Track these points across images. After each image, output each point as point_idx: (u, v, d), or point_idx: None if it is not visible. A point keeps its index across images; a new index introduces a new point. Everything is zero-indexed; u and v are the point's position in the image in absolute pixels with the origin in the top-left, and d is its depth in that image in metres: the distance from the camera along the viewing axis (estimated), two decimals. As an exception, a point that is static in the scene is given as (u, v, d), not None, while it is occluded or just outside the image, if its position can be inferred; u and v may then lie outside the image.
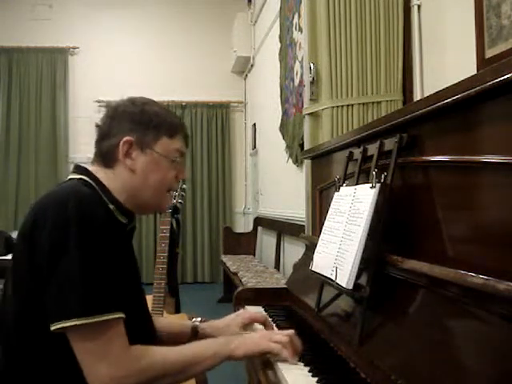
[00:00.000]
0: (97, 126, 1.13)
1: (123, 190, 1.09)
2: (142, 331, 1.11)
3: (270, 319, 1.33)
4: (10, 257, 1.01)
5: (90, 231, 0.94)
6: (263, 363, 1.10)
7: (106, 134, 1.10)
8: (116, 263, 0.98)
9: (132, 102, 1.12)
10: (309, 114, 2.26)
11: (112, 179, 1.09)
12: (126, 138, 1.07)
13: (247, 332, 1.23)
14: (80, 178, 1.07)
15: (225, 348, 1.04)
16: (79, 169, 1.11)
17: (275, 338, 1.06)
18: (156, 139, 1.10)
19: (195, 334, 1.27)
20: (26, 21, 6.32)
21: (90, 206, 0.97)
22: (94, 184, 1.06)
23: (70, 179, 1.08)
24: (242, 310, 1.33)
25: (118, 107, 1.12)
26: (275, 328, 1.31)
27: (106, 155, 1.10)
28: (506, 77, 0.70)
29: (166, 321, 1.37)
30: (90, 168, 1.11)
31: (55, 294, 0.92)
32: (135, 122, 1.09)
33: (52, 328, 0.91)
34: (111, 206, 1.06)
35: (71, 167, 1.15)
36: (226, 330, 1.25)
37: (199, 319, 1.31)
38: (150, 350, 1.00)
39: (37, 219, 0.96)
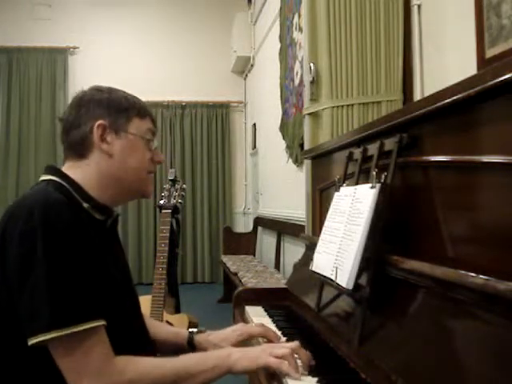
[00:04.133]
0: (61, 119, 1.10)
1: (102, 179, 1.06)
2: (131, 333, 1.07)
3: (273, 329, 1.24)
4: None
5: (56, 240, 0.90)
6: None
7: (75, 124, 1.07)
8: (92, 267, 0.94)
9: (97, 89, 1.11)
10: (309, 113, 2.26)
11: (88, 171, 1.06)
12: (99, 122, 1.05)
13: (248, 344, 1.17)
14: (50, 180, 1.03)
15: (224, 362, 0.99)
16: (49, 169, 1.07)
17: (276, 352, 0.99)
18: (128, 120, 1.09)
19: (192, 347, 1.21)
20: (26, 21, 6.31)
21: (57, 212, 0.92)
22: (65, 184, 1.03)
23: (42, 181, 1.05)
24: (239, 325, 1.26)
25: (83, 96, 1.10)
26: (279, 333, 1.24)
27: (78, 145, 1.07)
28: (506, 77, 0.70)
29: (163, 328, 1.31)
30: (63, 166, 1.08)
31: (27, 308, 0.88)
32: (105, 107, 1.07)
33: (29, 343, 0.87)
34: (85, 205, 1.03)
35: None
36: (222, 345, 1.17)
37: (195, 330, 1.26)
38: (138, 362, 0.95)
39: (6, 229, 0.93)
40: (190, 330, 1.27)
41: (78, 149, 1.07)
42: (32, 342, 0.87)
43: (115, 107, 1.08)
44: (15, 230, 0.91)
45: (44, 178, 1.06)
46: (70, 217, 0.93)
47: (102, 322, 0.91)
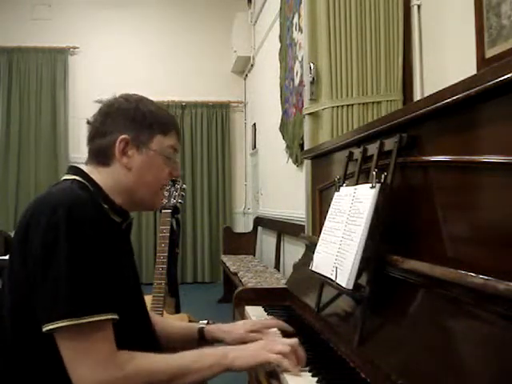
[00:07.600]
0: (88, 122, 1.12)
1: (118, 187, 1.09)
2: (139, 332, 1.10)
3: (284, 324, 1.26)
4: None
5: (79, 234, 0.93)
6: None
7: (101, 132, 1.10)
8: (109, 264, 0.97)
9: (126, 99, 1.12)
10: (309, 113, 2.26)
11: (106, 178, 1.09)
12: (122, 137, 1.07)
13: (252, 338, 1.16)
14: (74, 179, 1.07)
15: (223, 359, 1.01)
16: (73, 169, 1.11)
17: (276, 348, 1.01)
18: (151, 137, 1.10)
19: (202, 337, 1.25)
20: (26, 21, 6.31)
21: (81, 208, 0.96)
22: (88, 184, 1.06)
23: (65, 180, 1.08)
24: (253, 319, 1.32)
25: (112, 104, 1.11)
26: (279, 333, 1.24)
27: (101, 153, 1.10)
28: (506, 77, 0.70)
29: (177, 324, 1.35)
30: (85, 168, 1.11)
31: (45, 296, 0.92)
32: (130, 120, 1.09)
33: (44, 330, 0.90)
34: (105, 206, 1.06)
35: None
36: (232, 332, 1.21)
37: (205, 322, 1.29)
38: (138, 357, 0.97)
39: (30, 222, 0.96)
40: (201, 322, 1.30)
41: (100, 157, 1.10)
42: (47, 328, 0.90)
43: (140, 122, 1.10)
44: (39, 225, 0.94)
45: (67, 177, 1.09)
46: (92, 215, 0.97)
47: (111, 316, 0.94)
